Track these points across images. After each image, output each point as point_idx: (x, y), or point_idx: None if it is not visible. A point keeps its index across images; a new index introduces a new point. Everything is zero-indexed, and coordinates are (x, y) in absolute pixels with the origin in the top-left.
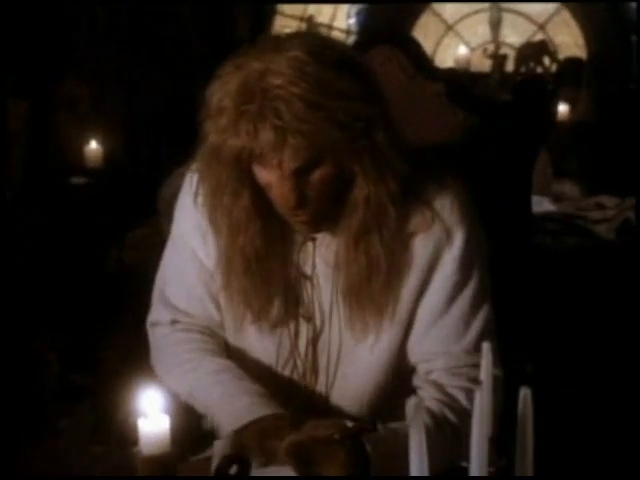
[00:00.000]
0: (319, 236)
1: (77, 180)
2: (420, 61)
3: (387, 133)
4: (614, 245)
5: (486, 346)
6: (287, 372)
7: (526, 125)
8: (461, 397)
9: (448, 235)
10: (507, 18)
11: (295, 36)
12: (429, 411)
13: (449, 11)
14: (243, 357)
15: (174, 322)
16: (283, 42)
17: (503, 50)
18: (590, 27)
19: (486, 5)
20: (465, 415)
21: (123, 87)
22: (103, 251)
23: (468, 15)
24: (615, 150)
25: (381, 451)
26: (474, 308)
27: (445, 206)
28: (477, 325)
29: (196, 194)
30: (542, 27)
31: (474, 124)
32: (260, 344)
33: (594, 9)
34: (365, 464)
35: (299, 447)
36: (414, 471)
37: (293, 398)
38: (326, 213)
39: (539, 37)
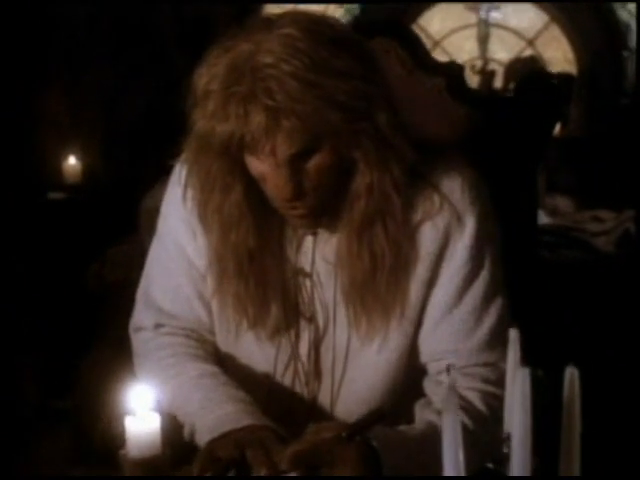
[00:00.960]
0: (319, 230)
1: (55, 195)
2: (418, 54)
3: (389, 115)
4: (613, 257)
5: (513, 333)
6: (287, 378)
7: (530, 120)
8: (476, 400)
9: (458, 220)
10: (495, 34)
11: (286, 15)
12: (440, 414)
13: (436, 26)
14: (239, 363)
15: (158, 326)
16: (274, 21)
17: (491, 66)
18: (580, 42)
19: (473, 20)
20: (481, 419)
21: (102, 101)
22: (82, 268)
23: (455, 31)
24: (607, 164)
25: (391, 448)
26: (486, 302)
27: (454, 189)
28: (489, 320)
29: (185, 186)
30: (531, 43)
31: (476, 119)
32: (258, 349)
33: (584, 23)
34: (376, 461)
35: (304, 455)
36: (448, 464)
37: (295, 406)
38: (325, 205)
39: (528, 53)
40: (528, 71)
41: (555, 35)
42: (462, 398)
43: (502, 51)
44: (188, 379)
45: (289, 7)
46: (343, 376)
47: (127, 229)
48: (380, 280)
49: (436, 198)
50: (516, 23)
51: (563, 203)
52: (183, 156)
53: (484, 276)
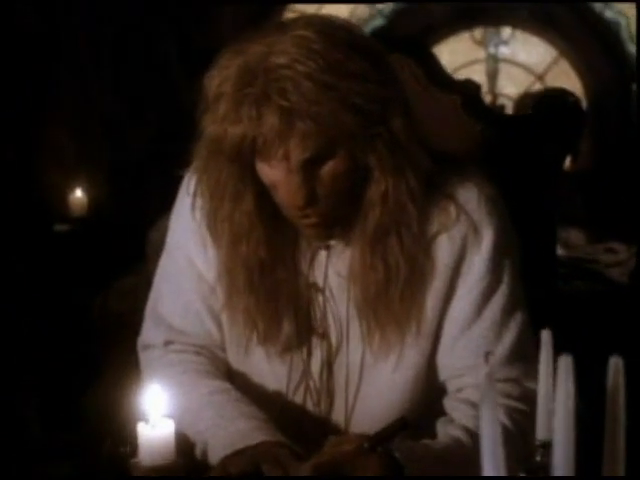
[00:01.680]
0: (332, 243)
1: (61, 227)
2: (434, 72)
3: (405, 121)
4: (628, 288)
5: (545, 335)
6: (299, 397)
7: (547, 138)
8: (499, 414)
9: (475, 232)
10: (504, 69)
11: (301, 18)
12: (467, 429)
13: (444, 62)
14: (250, 382)
15: (167, 343)
16: (287, 24)
17: (500, 101)
18: (589, 76)
19: (482, 56)
20: (507, 435)
21: (108, 133)
22: (88, 300)
23: (464, 66)
24: (617, 196)
25: (415, 460)
26: (505, 316)
27: (471, 199)
28: (510, 335)
29: (194, 195)
30: (540, 77)
31: (492, 137)
32: (268, 367)
33: (593, 58)
34: (399, 474)
35: (324, 468)
36: (487, 460)
37: (306, 426)
38: (338, 215)
39: (537, 87)
40: (545, 90)
41: (564, 70)
42: None
43: (511, 86)
44: (199, 396)
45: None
46: (357, 395)
47: (132, 261)
48: (394, 293)
49: (452, 209)
50: (525, 58)
51: (575, 236)
52: (192, 165)
53: (503, 290)
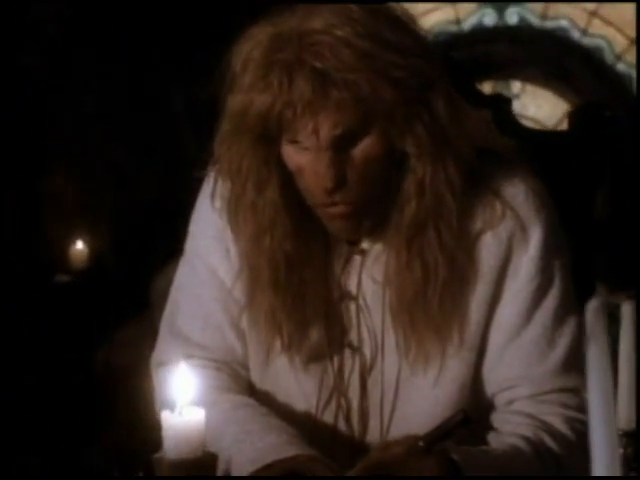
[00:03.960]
0: (365, 246)
1: (61, 278)
2: (464, 86)
3: (448, 103)
4: None
5: (627, 307)
6: (329, 417)
7: (584, 154)
8: (558, 423)
9: (523, 229)
10: None
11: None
12: (523, 437)
13: None
14: (273, 401)
15: (185, 357)
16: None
17: None
18: None
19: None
20: (567, 443)
21: (111, 184)
22: (88, 352)
23: None
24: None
25: (473, 463)
26: (558, 321)
27: (518, 194)
28: (563, 341)
29: (213, 193)
30: None
31: (525, 152)
32: (293, 381)
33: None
34: (457, 476)
35: (372, 471)
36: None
37: (337, 449)
38: (369, 207)
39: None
40: (581, 105)
41: None
42: (542, 422)
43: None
44: (220, 412)
45: None
46: (393, 414)
47: (134, 312)
48: (432, 297)
49: (497, 205)
50: (535, 112)
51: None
52: (214, 166)
53: (554, 292)
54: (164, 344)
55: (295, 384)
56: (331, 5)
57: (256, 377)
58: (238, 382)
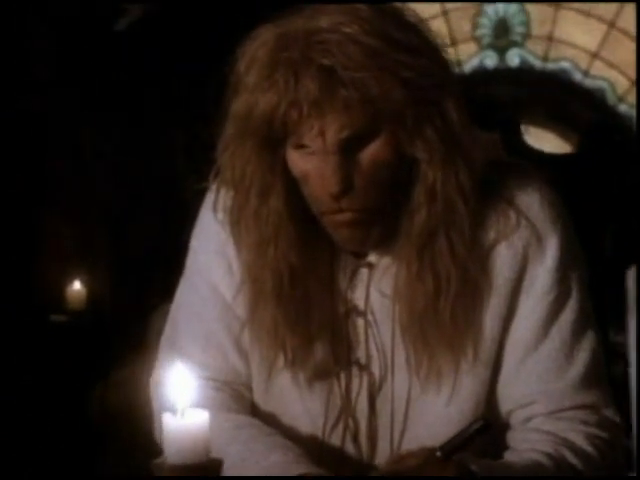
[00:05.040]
0: (373, 259)
1: (57, 318)
2: (472, 108)
3: (459, 107)
4: None
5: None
6: (336, 438)
7: (595, 175)
8: (580, 440)
9: (538, 240)
10: None
11: None
12: (544, 453)
13: None
14: (276, 421)
15: None
16: None
17: None
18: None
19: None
20: (589, 461)
21: (109, 225)
22: (84, 392)
23: None
24: None
25: (491, 476)
26: (576, 335)
27: (532, 204)
28: (582, 356)
29: (215, 204)
30: None
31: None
32: (298, 402)
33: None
34: None
35: None
36: None
37: (344, 472)
38: (377, 213)
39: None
40: (590, 128)
41: None
42: (563, 439)
43: None
44: (221, 432)
45: None
46: (404, 435)
47: (130, 352)
48: (444, 309)
49: (512, 215)
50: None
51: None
52: (216, 179)
53: (572, 305)
54: (163, 364)
55: (300, 404)
56: (338, 5)
57: (259, 398)
58: (241, 403)
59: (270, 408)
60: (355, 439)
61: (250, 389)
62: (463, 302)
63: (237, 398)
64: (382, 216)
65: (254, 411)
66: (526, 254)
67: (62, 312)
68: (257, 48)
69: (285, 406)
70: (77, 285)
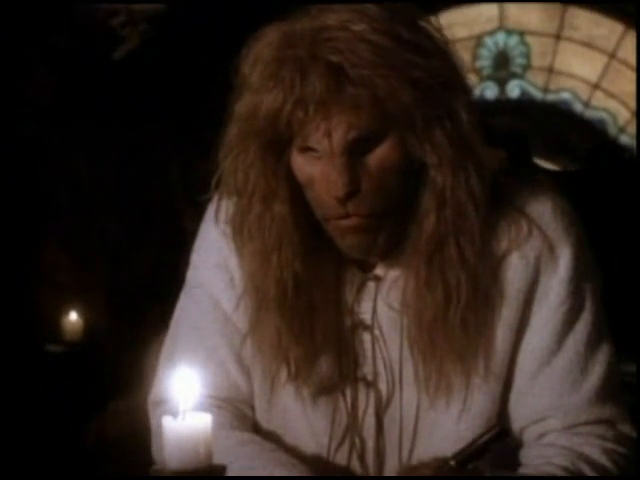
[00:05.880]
0: (380, 272)
1: (53, 348)
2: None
3: (470, 109)
4: None
5: None
6: (342, 457)
7: (601, 193)
8: (597, 455)
9: (551, 250)
10: None
11: None
12: (560, 467)
13: None
14: (279, 439)
15: None
16: None
17: None
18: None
19: None
20: (607, 476)
21: (106, 256)
22: (81, 423)
23: None
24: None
25: None
26: (590, 348)
27: (545, 213)
28: (597, 369)
29: (217, 212)
30: None
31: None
32: (302, 419)
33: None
34: None
35: None
36: None
37: None
38: (384, 219)
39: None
40: (597, 145)
41: None
42: (580, 454)
43: None
44: (223, 449)
45: None
46: (412, 453)
47: (128, 384)
48: (454, 318)
49: (523, 224)
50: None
51: None
52: (218, 188)
53: (586, 317)
54: (162, 381)
55: (304, 422)
56: (345, 4)
57: (262, 416)
58: (242, 421)
59: (273, 427)
60: (362, 458)
61: (252, 408)
62: (474, 312)
63: (239, 416)
64: (389, 222)
65: (256, 430)
66: (538, 265)
67: (58, 342)
68: (262, 47)
69: (288, 424)
70: (73, 315)
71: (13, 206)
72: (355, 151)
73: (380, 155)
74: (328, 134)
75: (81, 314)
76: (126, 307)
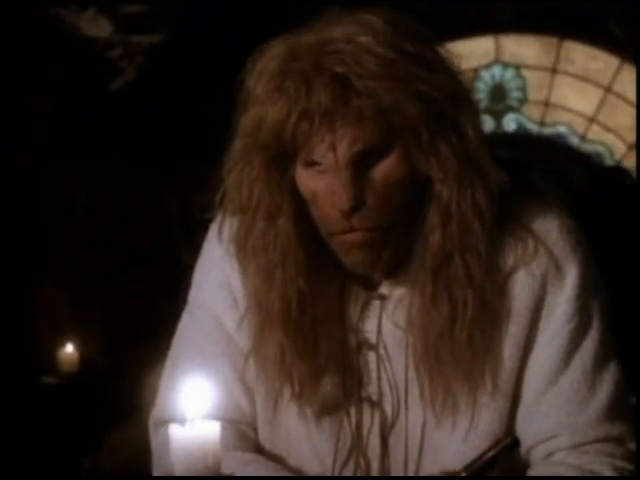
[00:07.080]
0: (385, 291)
1: (49, 380)
2: None
3: (476, 123)
4: None
5: None
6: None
7: (604, 218)
8: (607, 472)
9: (557, 268)
10: None
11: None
12: None
13: None
14: (282, 461)
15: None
16: None
17: None
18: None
19: None
20: (606, 476)
21: (102, 288)
22: (77, 455)
23: None
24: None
25: None
26: (598, 365)
27: (551, 231)
28: (605, 387)
29: (221, 228)
30: None
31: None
32: (305, 440)
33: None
34: None
35: None
36: None
37: None
38: (389, 234)
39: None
40: (600, 170)
41: None
42: (590, 472)
43: None
44: (225, 469)
45: None
46: (417, 474)
47: (124, 416)
48: (460, 335)
49: (530, 241)
50: None
51: None
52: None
53: (593, 335)
54: (164, 402)
55: (307, 443)
56: (349, 17)
57: (265, 438)
58: (245, 442)
59: (276, 448)
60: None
61: (255, 430)
62: (480, 329)
63: (241, 438)
64: (394, 237)
65: (259, 452)
66: (545, 282)
67: (54, 374)
68: (267, 61)
69: (292, 445)
70: (69, 348)
71: (10, 239)
72: (360, 165)
73: (385, 169)
74: (333, 147)
75: (77, 346)
76: (122, 339)
